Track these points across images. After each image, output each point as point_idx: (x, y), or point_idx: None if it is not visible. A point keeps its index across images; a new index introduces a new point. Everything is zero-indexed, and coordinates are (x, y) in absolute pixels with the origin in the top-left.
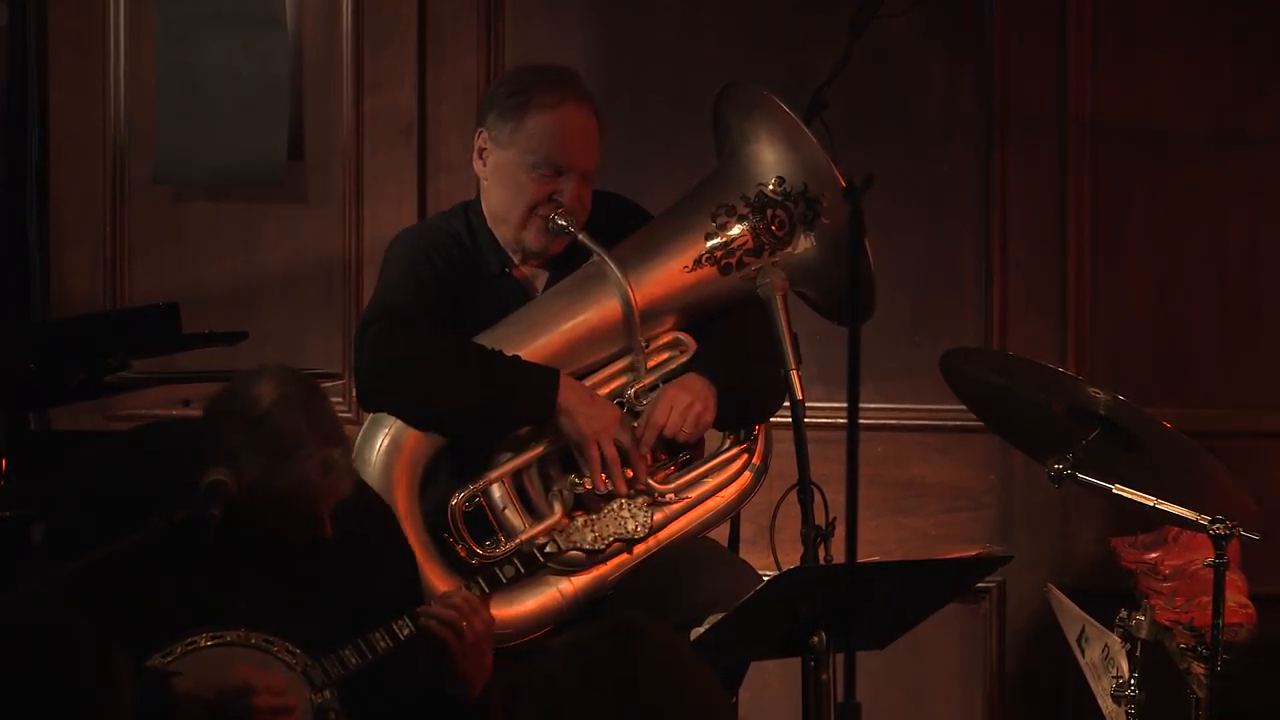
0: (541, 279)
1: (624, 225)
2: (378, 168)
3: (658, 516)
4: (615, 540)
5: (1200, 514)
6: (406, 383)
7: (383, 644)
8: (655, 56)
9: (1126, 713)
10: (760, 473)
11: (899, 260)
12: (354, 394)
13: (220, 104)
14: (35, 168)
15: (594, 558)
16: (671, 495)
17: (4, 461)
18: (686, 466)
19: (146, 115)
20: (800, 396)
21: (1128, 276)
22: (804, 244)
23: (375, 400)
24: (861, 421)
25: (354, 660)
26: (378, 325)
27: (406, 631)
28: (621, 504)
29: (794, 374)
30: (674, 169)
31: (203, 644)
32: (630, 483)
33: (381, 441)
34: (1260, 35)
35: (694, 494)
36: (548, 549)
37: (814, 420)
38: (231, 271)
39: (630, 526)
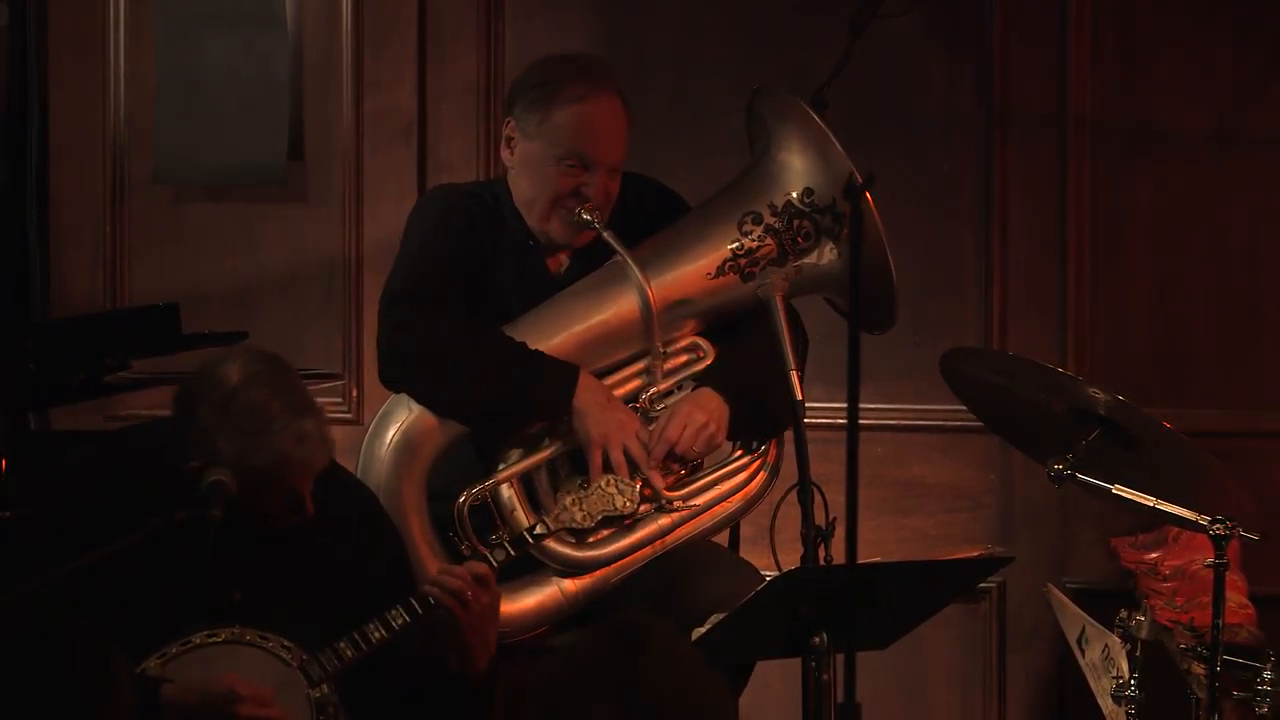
0: (563, 259)
1: (666, 211)
2: (378, 168)
3: (665, 521)
4: (604, 517)
5: (1200, 514)
6: (428, 365)
7: (378, 635)
8: (655, 56)
9: (1126, 713)
10: (772, 476)
11: (899, 260)
12: (354, 394)
13: (220, 104)
14: (35, 168)
15: (583, 537)
16: (680, 502)
17: (4, 461)
18: (696, 473)
19: (146, 115)
20: (800, 397)
21: (1128, 276)
22: (828, 254)
23: (394, 379)
24: (861, 421)
25: (350, 653)
26: (403, 304)
27: (400, 621)
28: (609, 480)
29: (794, 375)
30: (674, 169)
31: (198, 642)
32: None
33: (392, 437)
34: (1260, 35)
35: (703, 499)
36: (537, 529)
37: (814, 420)
38: (231, 271)
39: (618, 503)
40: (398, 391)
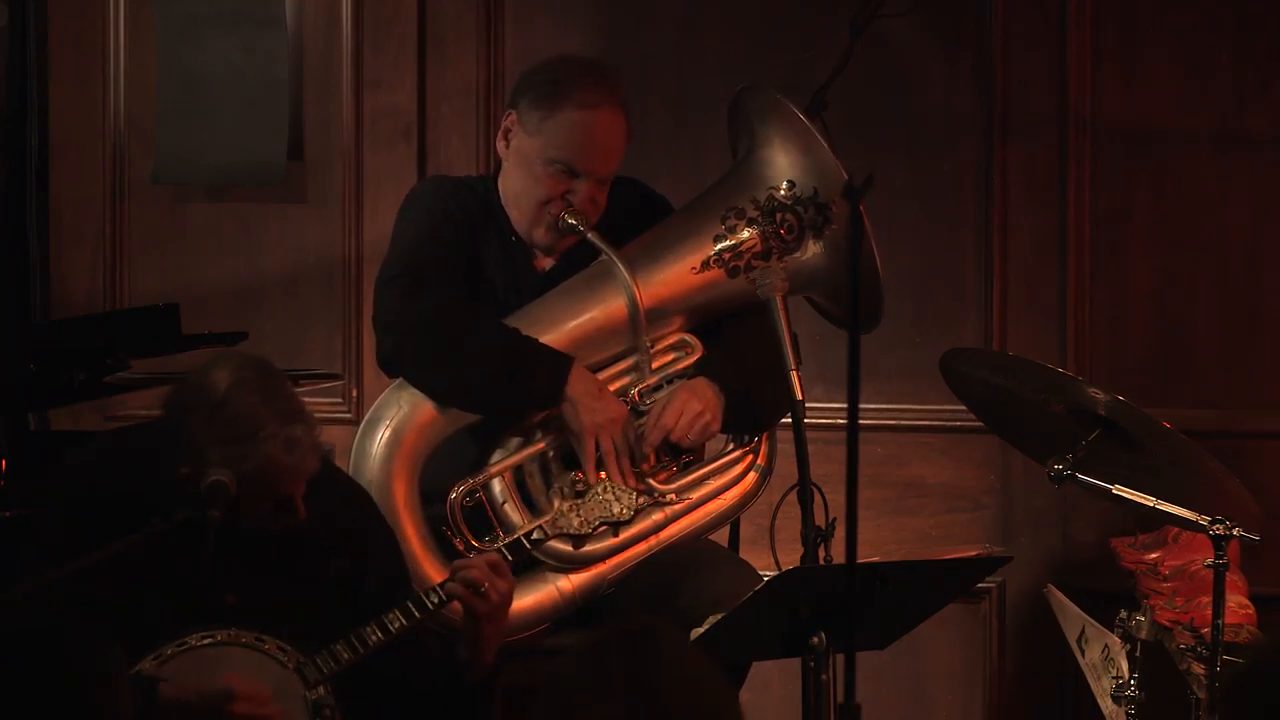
0: (548, 258)
1: (648, 213)
2: (378, 168)
3: (659, 516)
4: (601, 524)
5: (1200, 514)
6: (426, 341)
7: (374, 637)
8: (655, 56)
9: (1126, 713)
10: (765, 475)
11: (899, 260)
12: (354, 394)
13: (220, 104)
14: (35, 168)
15: (580, 543)
16: (673, 495)
17: (4, 462)
18: (689, 467)
19: (146, 115)
20: (800, 397)
21: (1128, 276)
22: (812, 249)
23: (391, 356)
24: (861, 422)
25: (346, 655)
26: (402, 281)
27: (398, 625)
28: (606, 487)
29: (794, 374)
30: (673, 169)
31: (194, 643)
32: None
33: (382, 433)
34: (1260, 35)
35: (696, 495)
36: (534, 535)
37: (814, 420)
38: (232, 271)
39: (615, 509)
40: (394, 371)
